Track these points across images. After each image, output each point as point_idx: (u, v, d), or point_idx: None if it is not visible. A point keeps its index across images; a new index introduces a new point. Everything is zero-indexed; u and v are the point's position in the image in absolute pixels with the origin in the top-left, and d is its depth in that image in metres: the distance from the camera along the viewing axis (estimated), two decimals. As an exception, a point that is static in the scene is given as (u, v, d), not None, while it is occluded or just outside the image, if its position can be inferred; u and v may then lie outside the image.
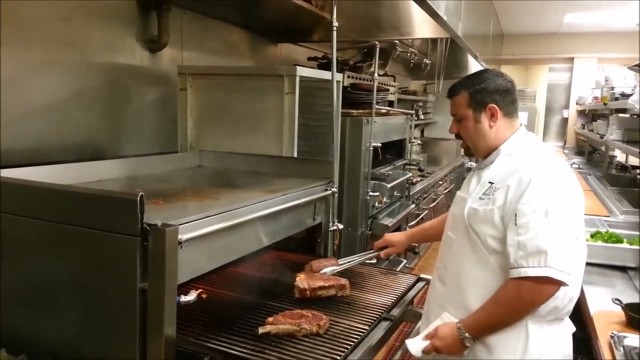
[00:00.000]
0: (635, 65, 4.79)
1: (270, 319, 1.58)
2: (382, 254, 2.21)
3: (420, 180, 4.92)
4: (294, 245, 2.32)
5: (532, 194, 1.57)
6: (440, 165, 6.41)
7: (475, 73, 1.83)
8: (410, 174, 4.26)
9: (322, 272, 1.95)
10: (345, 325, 1.65)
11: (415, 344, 1.67)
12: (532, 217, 1.55)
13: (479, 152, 1.81)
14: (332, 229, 2.28)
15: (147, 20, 2.58)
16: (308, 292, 1.82)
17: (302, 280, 1.84)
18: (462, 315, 1.67)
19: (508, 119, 1.77)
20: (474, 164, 1.91)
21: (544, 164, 1.66)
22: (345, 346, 1.51)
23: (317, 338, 1.55)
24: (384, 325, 1.72)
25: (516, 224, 1.57)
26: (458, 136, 1.83)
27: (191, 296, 1.39)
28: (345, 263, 2.07)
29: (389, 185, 3.54)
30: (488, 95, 1.74)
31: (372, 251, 2.23)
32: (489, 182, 1.71)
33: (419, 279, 2.09)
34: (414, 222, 4.33)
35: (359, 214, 3.36)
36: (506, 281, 1.58)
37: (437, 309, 1.79)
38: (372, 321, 1.70)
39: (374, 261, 3.34)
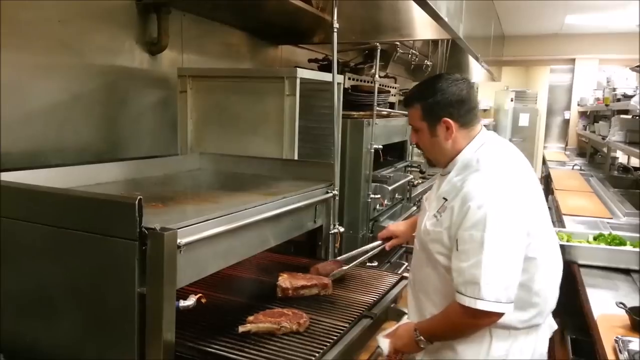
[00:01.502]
0: (637, 67, 4.78)
1: (250, 318, 1.59)
2: (387, 245, 2.19)
3: (422, 183, 4.89)
4: (294, 248, 2.30)
5: (471, 221, 1.53)
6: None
7: (428, 81, 1.74)
8: (412, 176, 4.24)
9: (331, 274, 1.96)
10: (326, 324, 1.67)
11: (383, 342, 1.75)
12: (470, 245, 1.53)
13: (439, 164, 1.78)
14: (333, 231, 2.26)
15: (146, 22, 2.57)
16: (290, 292, 1.84)
17: (284, 280, 1.86)
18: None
19: (465, 129, 1.69)
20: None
21: (488, 184, 1.57)
22: (324, 344, 1.52)
23: (296, 336, 1.57)
24: (364, 322, 1.73)
25: (457, 250, 1.56)
26: (417, 146, 1.81)
27: (190, 301, 1.38)
28: (351, 259, 2.09)
29: (390, 188, 3.53)
30: (441, 108, 1.66)
31: (376, 243, 2.22)
32: (443, 198, 1.66)
33: (402, 278, 2.11)
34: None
35: (360, 216, 3.34)
36: (453, 301, 1.59)
37: (412, 310, 1.85)
38: (353, 319, 1.71)
39: (375, 263, 3.34)
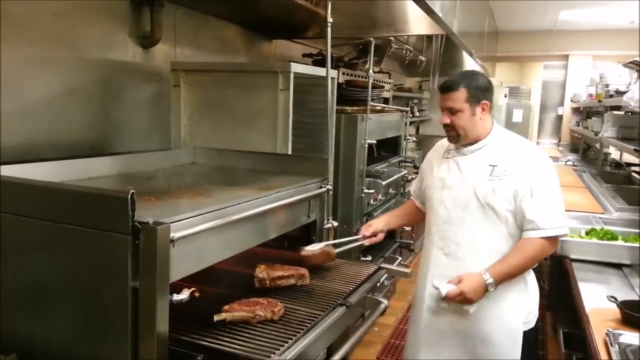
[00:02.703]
0: (630, 63, 4.80)
1: (225, 307, 1.60)
2: (367, 242, 2.30)
3: (415, 178, 4.91)
4: (288, 243, 2.30)
5: (539, 174, 1.97)
6: (436, 163, 6.38)
7: (468, 72, 2.11)
8: (406, 171, 4.25)
9: (306, 248, 2.04)
10: (301, 312, 1.68)
11: (443, 286, 1.92)
12: (543, 190, 1.95)
13: (469, 139, 2.07)
14: (326, 226, 2.26)
15: (139, 16, 2.55)
16: (267, 282, 1.85)
17: (261, 271, 1.87)
18: None
19: (490, 113, 2.09)
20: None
21: (534, 150, 2.08)
22: (297, 331, 1.54)
23: (270, 324, 1.58)
24: (339, 311, 1.74)
25: (532, 197, 1.93)
26: (448, 126, 2.06)
27: (184, 295, 1.38)
28: (331, 243, 2.16)
29: (384, 183, 3.54)
30: (482, 92, 2.03)
31: (358, 237, 2.28)
32: (490, 165, 2.01)
33: (380, 268, 2.13)
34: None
35: (354, 211, 3.35)
36: (529, 240, 1.95)
37: (448, 274, 2.02)
38: (328, 307, 1.72)
39: (369, 258, 3.34)
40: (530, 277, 2.10)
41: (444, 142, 2.23)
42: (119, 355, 1.30)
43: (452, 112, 2.03)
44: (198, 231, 1.42)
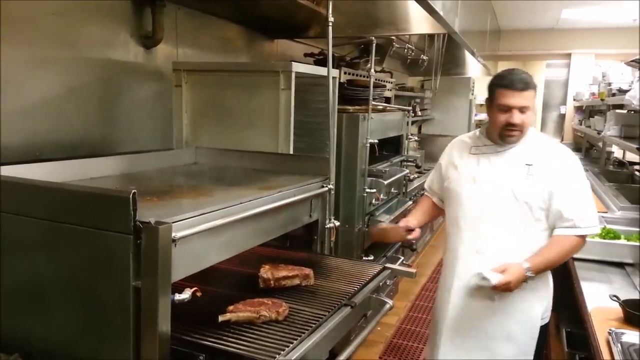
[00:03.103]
0: (632, 61, 4.78)
1: (230, 307, 1.60)
2: (411, 236, 2.33)
3: (418, 177, 4.91)
4: (290, 242, 2.31)
5: (572, 174, 2.01)
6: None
7: (524, 71, 2.08)
8: (408, 171, 4.24)
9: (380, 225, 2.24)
10: (306, 313, 1.68)
11: (493, 275, 1.93)
12: (576, 190, 2.00)
13: (521, 138, 2.06)
14: (328, 226, 2.26)
15: (141, 16, 2.56)
16: (272, 282, 1.85)
17: (266, 271, 1.87)
18: None
19: None
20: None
21: (567, 150, 2.10)
22: (302, 331, 1.54)
23: (275, 324, 1.59)
24: (344, 311, 1.74)
25: (569, 197, 1.97)
26: (514, 125, 2.00)
27: (186, 294, 1.38)
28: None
29: (386, 182, 3.53)
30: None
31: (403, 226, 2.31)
32: (526, 164, 2.02)
33: (384, 268, 2.12)
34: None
35: (355, 211, 3.35)
36: (565, 236, 1.99)
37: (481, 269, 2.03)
38: (333, 308, 1.72)
39: (371, 257, 3.34)
40: (549, 274, 2.14)
41: (463, 138, 2.23)
42: (120, 354, 1.30)
43: (523, 111, 1.99)
44: (200, 231, 1.42)
